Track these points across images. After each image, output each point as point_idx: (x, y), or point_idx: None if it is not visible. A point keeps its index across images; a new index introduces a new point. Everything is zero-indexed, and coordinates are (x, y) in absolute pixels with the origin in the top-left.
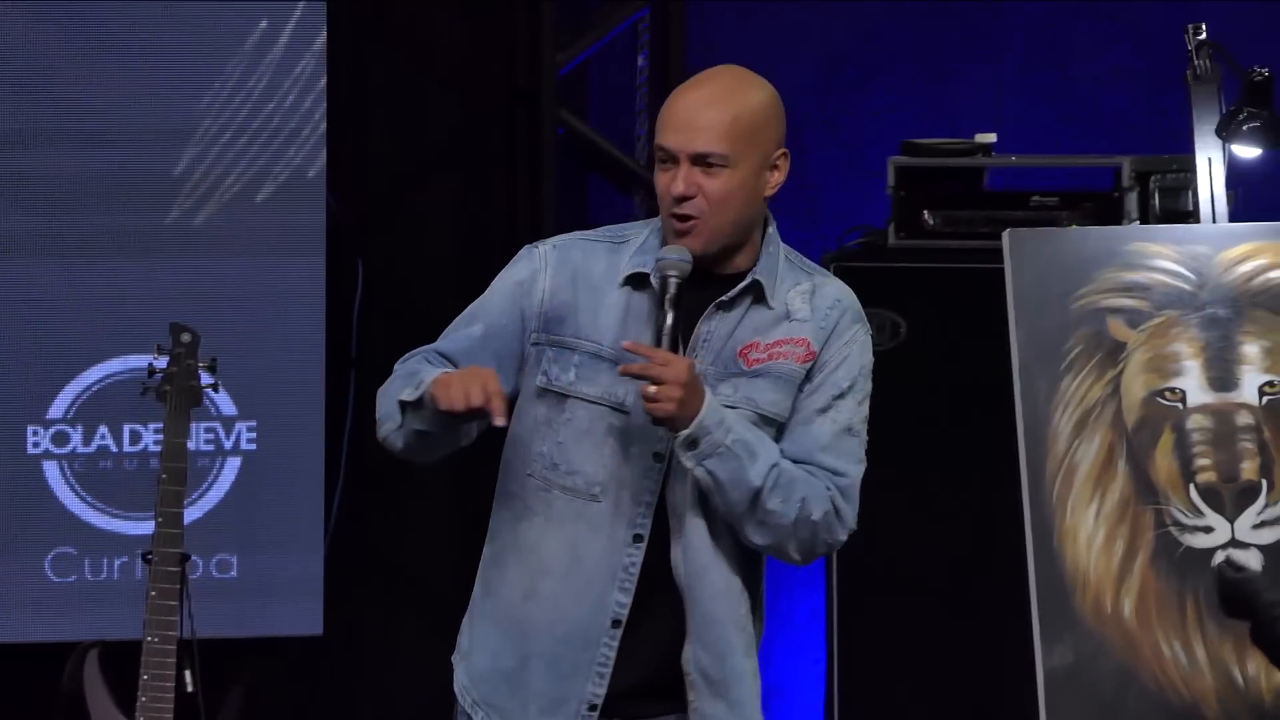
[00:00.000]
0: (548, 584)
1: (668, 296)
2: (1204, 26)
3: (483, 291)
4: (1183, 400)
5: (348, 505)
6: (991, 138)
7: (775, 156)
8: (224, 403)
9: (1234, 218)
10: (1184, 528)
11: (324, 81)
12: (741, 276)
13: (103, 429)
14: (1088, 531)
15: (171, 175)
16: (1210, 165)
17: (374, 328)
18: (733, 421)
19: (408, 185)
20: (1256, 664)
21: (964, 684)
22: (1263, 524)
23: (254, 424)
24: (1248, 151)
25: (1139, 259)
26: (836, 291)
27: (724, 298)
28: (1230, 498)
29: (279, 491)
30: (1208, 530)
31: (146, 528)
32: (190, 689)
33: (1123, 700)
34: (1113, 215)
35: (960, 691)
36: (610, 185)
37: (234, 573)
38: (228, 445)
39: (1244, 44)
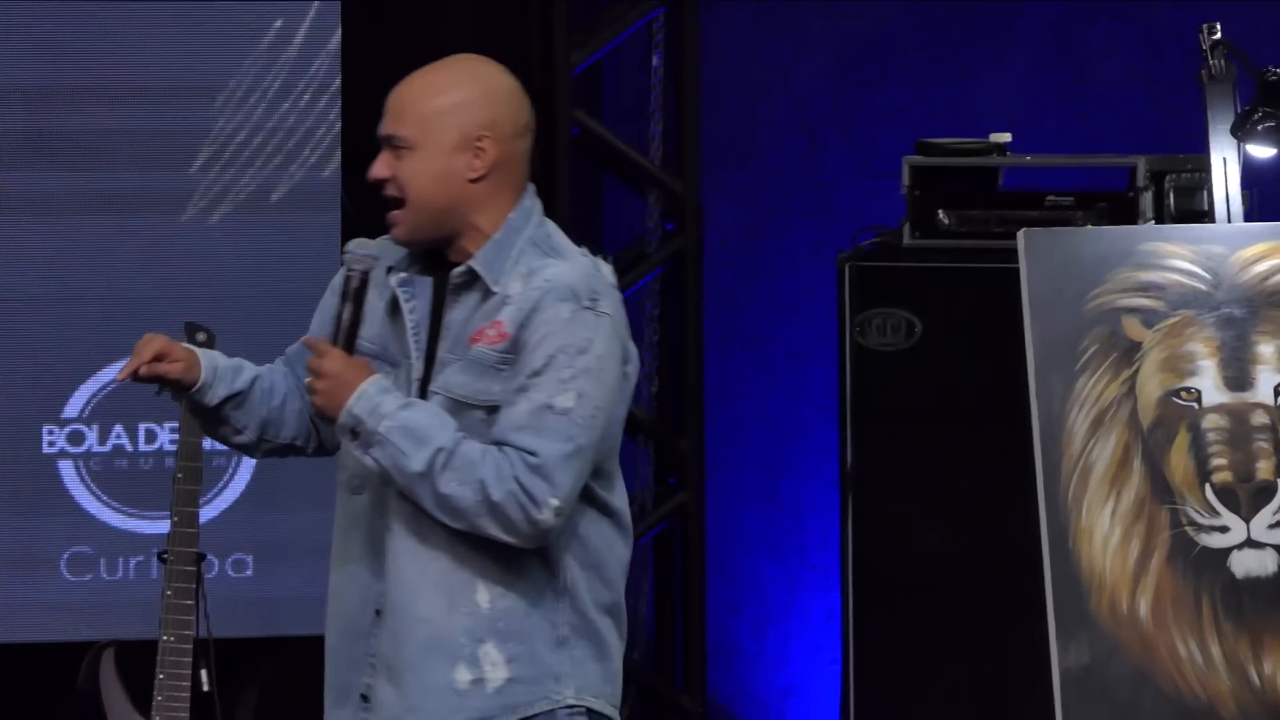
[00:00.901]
0: (334, 579)
1: (347, 289)
2: (1219, 26)
3: None
4: (1198, 400)
5: None
6: (1006, 137)
7: (476, 140)
8: None
9: (1249, 217)
10: (1200, 527)
11: (339, 81)
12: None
13: (118, 428)
14: (1103, 531)
15: (186, 175)
16: (1225, 165)
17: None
18: (392, 408)
19: None
20: (1273, 663)
21: (980, 684)
22: (1278, 524)
23: None
24: (1263, 151)
25: (1154, 259)
26: (553, 273)
27: (451, 287)
28: (1246, 497)
29: (294, 491)
30: (1223, 530)
31: (162, 527)
32: (206, 688)
33: (1138, 701)
34: (1128, 215)
35: (976, 692)
36: (624, 185)
37: (249, 572)
38: None
39: (1259, 44)
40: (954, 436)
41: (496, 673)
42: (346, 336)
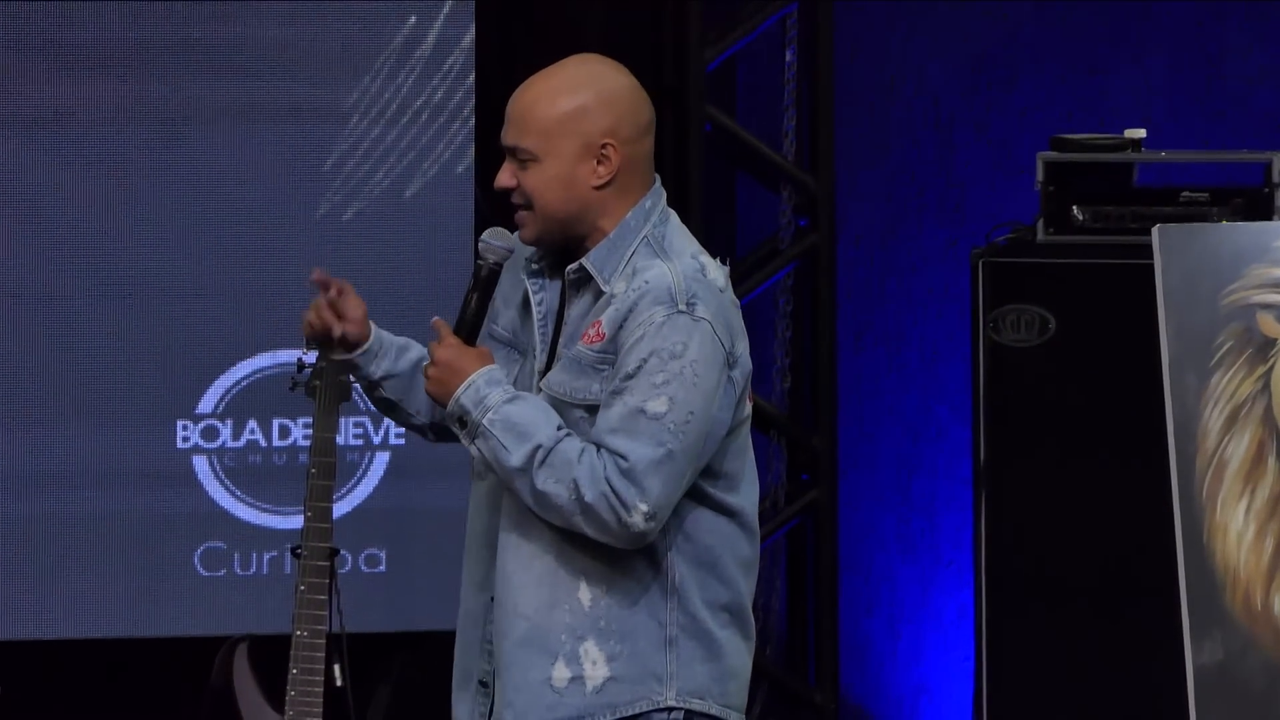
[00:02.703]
0: (464, 566)
1: (476, 277)
2: None
3: None
4: None
5: None
6: (1141, 133)
7: (600, 147)
8: None
9: None
10: None
11: (473, 77)
12: None
13: (252, 423)
14: (1238, 528)
15: (321, 170)
16: None
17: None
18: (498, 401)
19: None
20: None
21: (1113, 681)
22: None
23: None
24: None
25: None
26: (653, 274)
27: (569, 283)
28: None
29: (427, 486)
30: None
31: (295, 522)
32: (339, 683)
33: (1273, 697)
34: (1263, 211)
35: (1109, 689)
36: (757, 182)
37: (382, 567)
38: (376, 440)
39: None
40: (1088, 433)
41: (596, 671)
42: (468, 324)
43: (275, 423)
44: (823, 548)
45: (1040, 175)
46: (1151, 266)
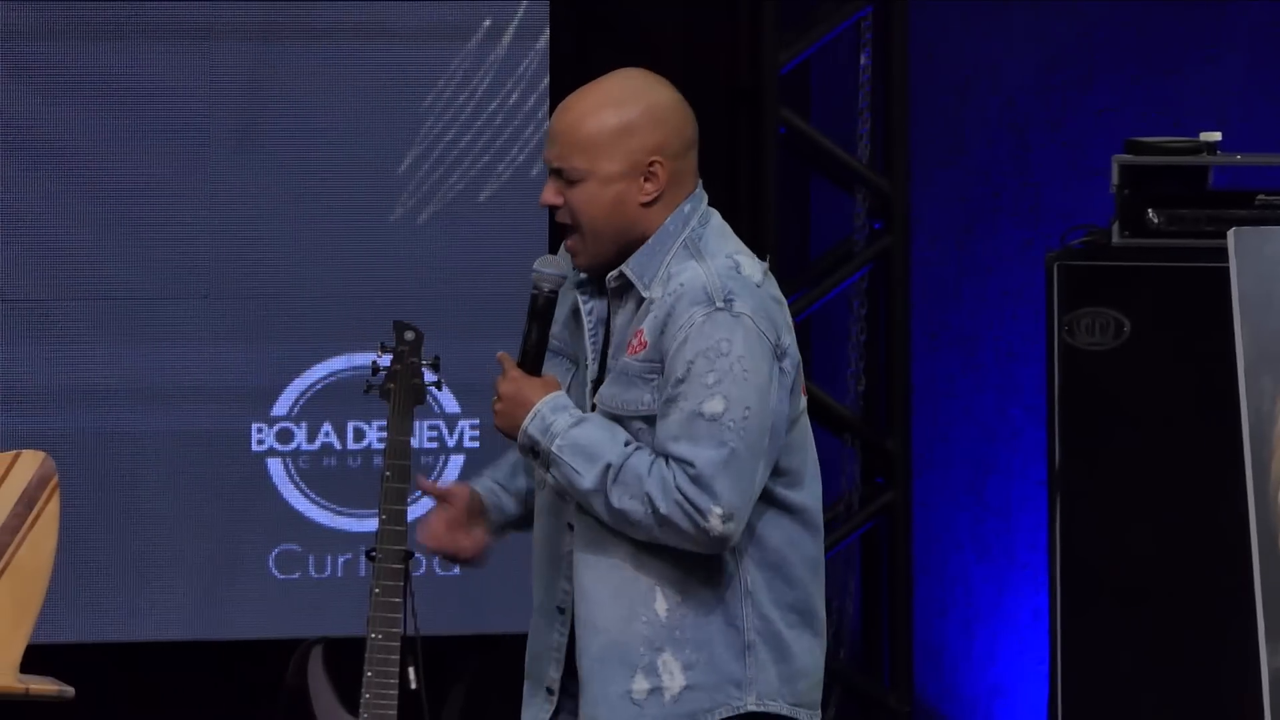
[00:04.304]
0: (534, 573)
1: (533, 308)
2: None
3: None
4: None
5: None
6: (1216, 136)
7: (648, 165)
8: (447, 401)
9: None
10: None
11: (547, 80)
12: None
13: (326, 426)
14: None
15: (396, 173)
16: None
17: None
18: (564, 427)
19: None
20: None
21: (1188, 685)
22: None
23: (477, 422)
24: None
25: None
26: (687, 276)
27: (611, 291)
28: None
29: None
30: None
31: (370, 525)
32: (414, 686)
33: None
34: None
35: (1185, 692)
36: (832, 184)
37: (457, 570)
38: (451, 443)
39: None
40: (1163, 436)
41: (674, 681)
42: (531, 356)
43: (350, 425)
44: (897, 550)
45: (1115, 178)
46: (1227, 270)
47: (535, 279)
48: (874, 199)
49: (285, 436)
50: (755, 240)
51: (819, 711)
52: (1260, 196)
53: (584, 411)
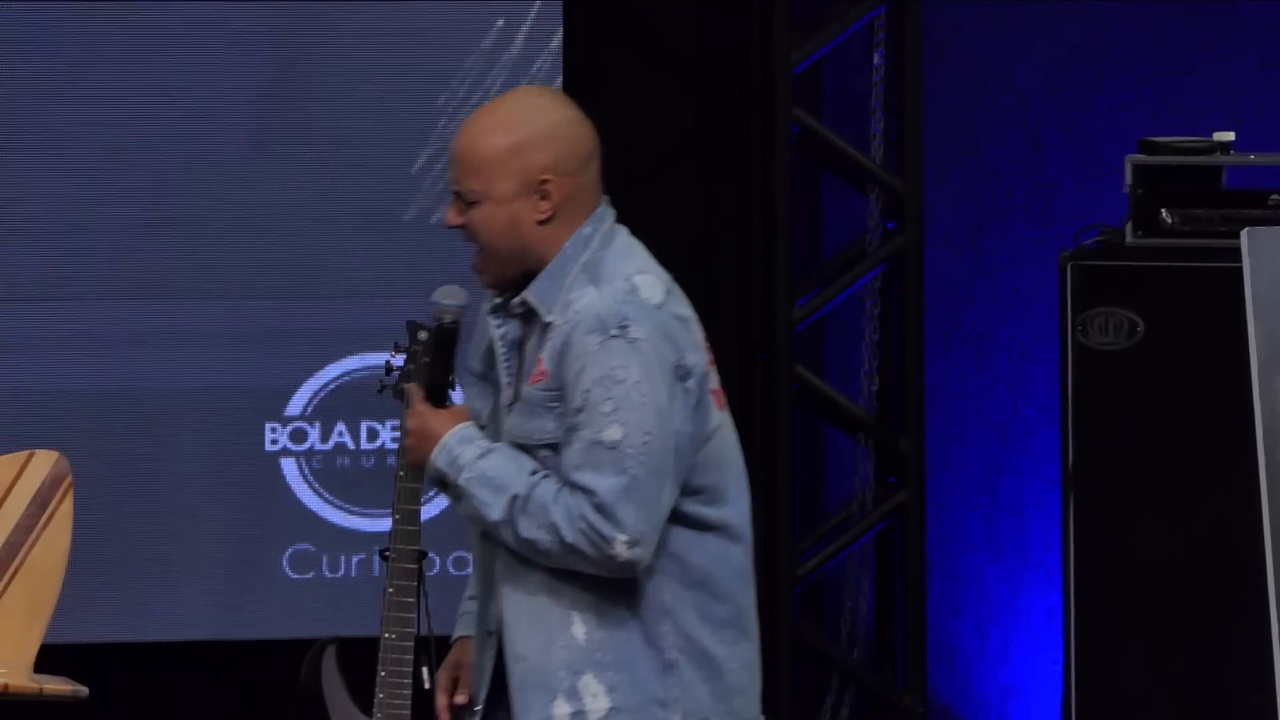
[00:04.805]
0: (475, 590)
1: (434, 340)
2: None
3: (716, 287)
4: None
5: None
6: (1230, 136)
7: (540, 183)
8: (461, 399)
9: None
10: None
11: (560, 80)
12: None
13: (340, 426)
14: None
15: (409, 174)
16: None
17: None
18: (471, 459)
19: (642, 184)
20: None
21: (1202, 684)
22: None
23: None
24: None
25: None
26: (582, 304)
27: (519, 318)
28: None
29: None
30: None
31: (384, 525)
32: (427, 686)
33: None
34: None
35: (1198, 692)
36: (845, 184)
37: (471, 570)
38: None
39: None
40: (1176, 435)
41: (598, 703)
42: (438, 388)
43: (364, 425)
44: (910, 550)
45: (1129, 178)
46: (1240, 270)
47: (436, 311)
48: (887, 199)
49: (299, 436)
50: (768, 240)
51: None
52: (1274, 196)
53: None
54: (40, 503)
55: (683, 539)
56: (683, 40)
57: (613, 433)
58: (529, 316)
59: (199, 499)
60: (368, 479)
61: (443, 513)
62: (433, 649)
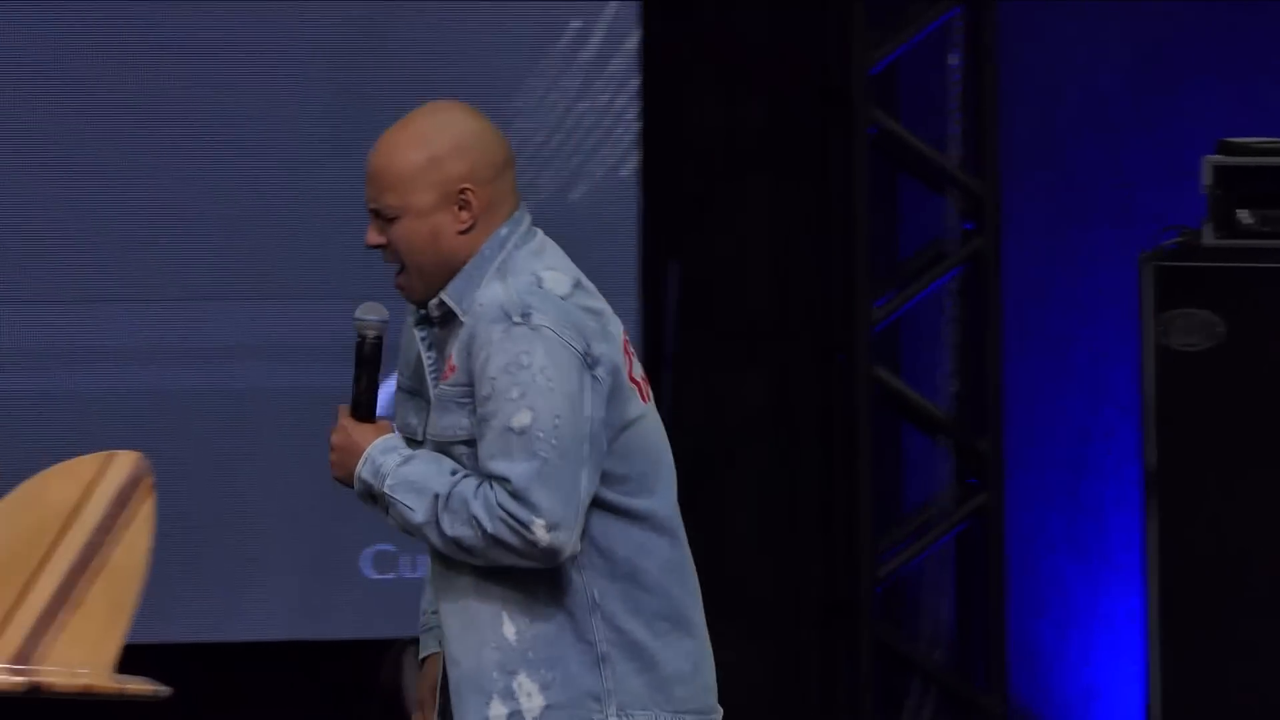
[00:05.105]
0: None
1: (359, 355)
2: None
3: (792, 289)
4: None
5: None
6: None
7: (459, 193)
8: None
9: None
10: None
11: (637, 80)
12: None
13: None
14: None
15: None
16: None
17: (688, 327)
18: (393, 466)
19: (719, 185)
20: None
21: None
22: None
23: None
24: None
25: None
26: (486, 297)
27: (434, 327)
28: None
29: None
30: None
31: None
32: None
33: None
34: None
35: None
36: (921, 185)
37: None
38: None
39: None
40: (1258, 437)
41: (533, 702)
42: (363, 403)
43: None
44: (991, 551)
45: (1207, 179)
46: None
47: (358, 326)
48: (965, 200)
49: None
50: (846, 241)
51: (715, 714)
52: None
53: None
54: (120, 503)
55: (607, 530)
56: (759, 40)
57: (522, 418)
58: (447, 319)
59: (280, 499)
60: None
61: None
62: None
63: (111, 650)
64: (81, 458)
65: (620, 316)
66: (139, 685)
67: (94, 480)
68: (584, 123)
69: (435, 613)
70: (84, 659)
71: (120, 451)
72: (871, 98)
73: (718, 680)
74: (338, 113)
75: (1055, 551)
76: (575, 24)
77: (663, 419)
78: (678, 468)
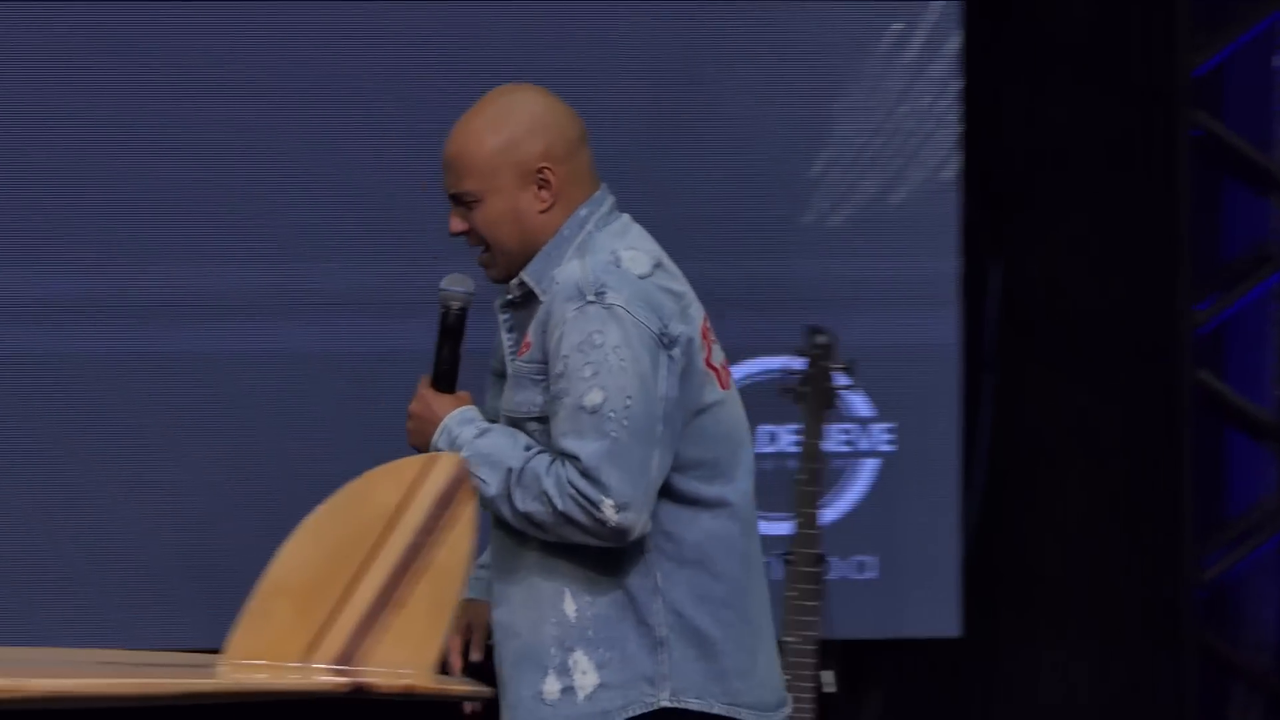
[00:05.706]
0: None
1: (443, 326)
2: None
3: (1113, 291)
4: None
5: (986, 506)
6: None
7: (537, 172)
8: (861, 404)
9: None
10: None
11: (957, 83)
12: None
13: None
14: None
15: (807, 176)
16: None
17: (1009, 330)
18: (469, 439)
19: (1040, 187)
20: None
21: None
22: None
23: (892, 425)
24: None
25: None
26: (562, 275)
27: (517, 309)
28: None
29: (916, 493)
30: None
31: (782, 528)
32: (831, 690)
33: None
34: None
35: None
36: (1246, 188)
37: (872, 574)
38: (864, 446)
39: None
40: None
41: (586, 679)
42: (443, 374)
43: (762, 429)
44: None
45: None
46: None
47: (443, 297)
48: None
49: None
50: (1168, 244)
51: (776, 712)
52: None
53: None
54: (444, 504)
55: (677, 515)
56: (1081, 43)
57: (594, 397)
58: (528, 299)
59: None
60: (766, 483)
61: (842, 517)
62: (837, 653)
63: (433, 651)
64: (405, 459)
65: (943, 318)
66: (461, 685)
67: (417, 481)
68: (905, 125)
69: (484, 567)
70: (407, 659)
71: (443, 453)
72: (1195, 99)
73: (1057, 684)
74: (650, 117)
75: None
76: (896, 26)
77: (983, 422)
78: (998, 471)
